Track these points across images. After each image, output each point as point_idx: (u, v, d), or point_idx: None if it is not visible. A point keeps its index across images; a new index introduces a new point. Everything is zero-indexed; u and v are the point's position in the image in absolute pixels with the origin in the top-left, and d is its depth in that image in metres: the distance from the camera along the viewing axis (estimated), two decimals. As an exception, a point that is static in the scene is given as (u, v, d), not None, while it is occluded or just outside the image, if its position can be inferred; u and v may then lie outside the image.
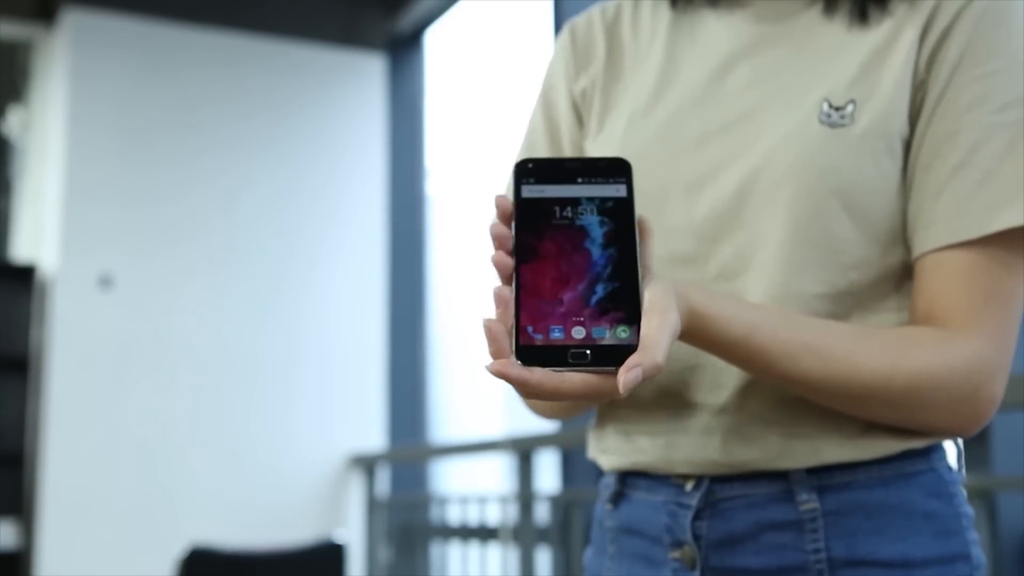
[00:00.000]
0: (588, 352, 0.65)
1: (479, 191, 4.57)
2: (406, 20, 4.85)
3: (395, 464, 4.54)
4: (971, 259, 0.80)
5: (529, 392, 0.66)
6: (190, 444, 4.28)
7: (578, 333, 0.66)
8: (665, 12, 0.97)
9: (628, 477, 0.91)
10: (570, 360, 0.65)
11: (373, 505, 4.43)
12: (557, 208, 0.70)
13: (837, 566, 0.81)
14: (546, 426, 3.04)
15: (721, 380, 0.84)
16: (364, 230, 4.75)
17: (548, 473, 3.47)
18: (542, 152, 0.99)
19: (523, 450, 3.28)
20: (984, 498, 1.84)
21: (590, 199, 0.71)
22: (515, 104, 4.17)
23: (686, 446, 0.85)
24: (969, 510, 0.85)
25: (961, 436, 0.84)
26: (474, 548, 3.76)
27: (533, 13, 4.15)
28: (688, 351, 0.81)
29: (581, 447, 2.46)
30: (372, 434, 4.60)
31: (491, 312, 0.68)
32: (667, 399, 0.86)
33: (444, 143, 4.92)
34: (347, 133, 4.78)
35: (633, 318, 0.66)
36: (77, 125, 4.32)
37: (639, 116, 0.92)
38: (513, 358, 0.66)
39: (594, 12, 1.01)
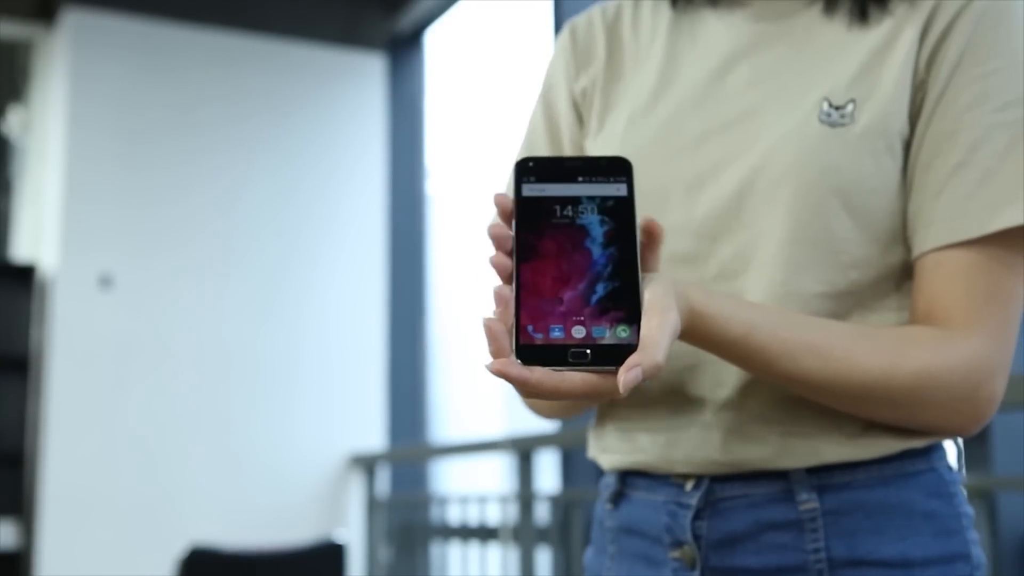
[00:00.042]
0: (588, 351, 0.65)
1: (479, 191, 4.57)
2: (406, 20, 4.85)
3: (395, 464, 4.54)
4: (971, 258, 0.80)
5: (529, 391, 0.66)
6: (190, 444, 4.28)
7: (578, 332, 0.66)
8: (665, 12, 0.97)
9: (628, 477, 0.91)
10: (570, 359, 0.65)
11: (373, 505, 4.43)
12: (558, 207, 0.70)
13: (837, 566, 0.81)
14: (546, 426, 3.04)
15: (721, 379, 0.84)
16: (364, 230, 4.75)
17: (548, 473, 3.47)
18: (542, 151, 0.99)
19: (523, 450, 3.28)
20: (984, 498, 1.84)
21: (591, 198, 0.71)
22: (515, 104, 4.17)
23: (686, 445, 0.85)
24: (969, 510, 0.85)
25: (961, 435, 0.84)
26: (474, 548, 3.76)
27: (533, 13, 4.15)
28: (689, 350, 0.81)
29: (581, 447, 2.46)
30: (372, 434, 4.60)
31: (491, 311, 0.68)
32: (667, 398, 0.86)
33: (444, 143, 4.92)
34: (347, 133, 4.78)
35: (633, 317, 0.66)
36: (77, 125, 4.32)
37: (639, 115, 0.92)
38: (513, 357, 0.66)
39: (594, 12, 1.01)
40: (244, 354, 4.43)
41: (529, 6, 4.20)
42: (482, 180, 4.54)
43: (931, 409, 0.80)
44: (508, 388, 0.67)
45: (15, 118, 5.27)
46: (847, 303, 0.83)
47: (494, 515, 3.59)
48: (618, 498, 0.92)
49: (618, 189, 0.71)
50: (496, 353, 0.66)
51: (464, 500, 3.82)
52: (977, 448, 1.86)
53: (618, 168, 0.72)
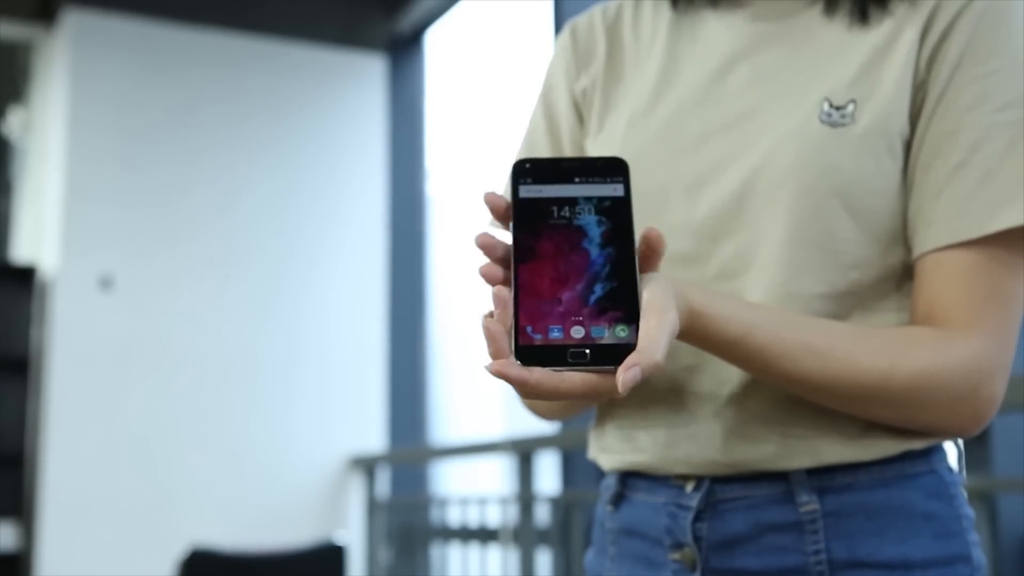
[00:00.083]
0: (587, 351, 0.65)
1: (479, 192, 4.57)
2: (406, 21, 4.85)
3: (395, 465, 4.54)
4: (971, 259, 0.80)
5: (528, 392, 0.66)
6: (190, 445, 4.28)
7: (577, 333, 0.66)
8: (666, 12, 0.97)
9: (629, 478, 0.91)
10: (569, 360, 0.65)
11: (373, 506, 4.43)
12: (555, 208, 0.70)
13: (838, 567, 0.81)
14: (546, 427, 3.04)
15: (722, 379, 0.84)
16: (364, 231, 4.75)
17: (548, 474, 3.47)
18: (543, 152, 1.00)
19: (523, 451, 3.28)
20: (984, 500, 1.84)
21: (587, 199, 0.71)
22: (515, 104, 4.17)
23: (686, 445, 0.85)
24: (970, 511, 0.85)
25: (961, 436, 0.84)
26: (474, 550, 3.76)
27: (533, 13, 4.15)
28: (689, 350, 0.81)
29: (581, 448, 2.46)
30: (372, 435, 4.60)
31: (488, 311, 0.68)
32: (667, 398, 0.86)
33: (444, 144, 4.92)
34: (347, 134, 4.78)
35: (632, 317, 0.66)
36: (77, 126, 4.32)
37: (639, 116, 0.92)
38: (512, 358, 0.66)
39: (595, 12, 1.01)
40: (244, 355, 4.43)
41: (529, 7, 4.20)
42: (482, 181, 4.54)
43: (931, 410, 0.80)
44: (508, 389, 0.67)
45: (15, 119, 5.28)
46: (847, 304, 0.83)
47: (494, 517, 3.59)
48: (618, 500, 0.92)
49: (615, 189, 0.71)
50: (495, 354, 0.66)
51: (464, 501, 3.82)
52: (977, 450, 1.86)
53: (614, 168, 0.72)
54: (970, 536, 0.84)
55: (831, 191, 0.82)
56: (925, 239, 0.82)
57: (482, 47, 4.75)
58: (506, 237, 0.71)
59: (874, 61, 0.84)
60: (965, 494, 0.86)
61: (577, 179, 0.72)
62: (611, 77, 0.97)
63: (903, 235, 0.84)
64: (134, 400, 4.22)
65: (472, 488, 4.11)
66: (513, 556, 3.37)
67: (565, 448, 3.22)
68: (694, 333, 0.75)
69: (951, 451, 0.87)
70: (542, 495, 3.27)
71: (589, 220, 0.70)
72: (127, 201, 4.34)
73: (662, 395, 0.86)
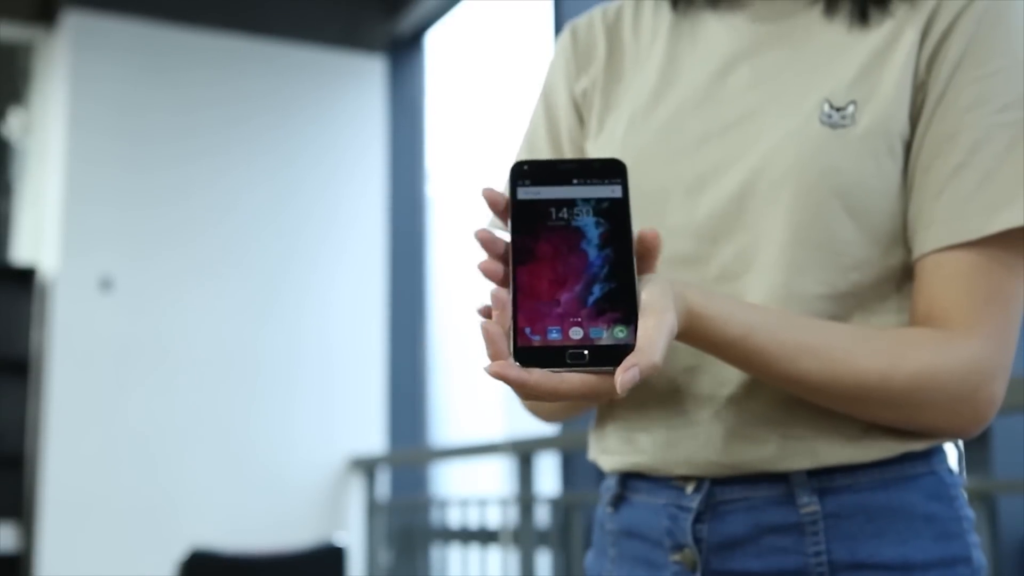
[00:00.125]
0: (586, 352, 0.65)
1: (479, 192, 4.56)
2: (406, 22, 4.85)
3: (395, 467, 4.54)
4: (971, 260, 0.80)
5: (528, 393, 0.66)
6: (190, 446, 4.28)
7: (575, 334, 0.66)
8: (666, 13, 0.97)
9: (629, 480, 0.91)
10: (568, 361, 0.65)
11: (373, 508, 4.43)
12: (553, 209, 0.70)
13: (838, 569, 0.81)
14: (546, 429, 3.04)
15: (721, 380, 0.84)
16: (364, 232, 4.75)
17: (548, 476, 3.47)
18: (543, 153, 1.00)
19: (523, 453, 3.27)
20: (984, 501, 1.84)
21: (586, 200, 0.71)
22: (515, 105, 4.17)
23: (686, 446, 0.85)
24: (970, 513, 0.85)
25: (961, 437, 0.84)
26: (474, 551, 3.76)
27: (533, 14, 4.15)
28: (689, 351, 0.81)
29: (581, 450, 2.46)
30: (372, 437, 4.60)
31: (487, 309, 0.68)
32: (667, 399, 0.86)
33: (444, 145, 4.92)
34: (347, 135, 4.78)
35: (630, 318, 0.66)
36: (77, 127, 4.32)
37: (640, 117, 0.92)
38: (511, 359, 0.66)
39: (595, 13, 1.01)
40: (244, 356, 4.43)
41: (529, 7, 4.21)
42: (482, 182, 4.53)
43: (930, 411, 0.80)
44: (507, 390, 0.67)
45: (15, 120, 5.28)
46: (848, 304, 0.83)
47: (494, 518, 3.59)
48: (619, 501, 0.92)
49: (613, 191, 0.71)
50: (494, 356, 0.66)
51: (464, 503, 3.82)
52: (977, 451, 1.86)
53: (612, 170, 0.72)
54: (970, 537, 0.84)
55: (831, 192, 0.82)
56: (925, 240, 0.82)
57: (482, 48, 4.76)
58: (505, 235, 0.71)
59: (874, 62, 0.84)
60: (965, 495, 0.86)
61: (575, 180, 0.72)
62: (611, 78, 0.97)
63: (903, 236, 0.84)
64: (134, 401, 4.22)
65: (472, 489, 4.11)
66: (513, 558, 3.37)
67: (565, 449, 3.22)
68: (693, 334, 0.75)
69: (951, 452, 0.87)
70: (542, 496, 3.27)
71: (587, 221, 0.70)
72: (127, 202, 4.34)
73: (662, 396, 0.86)
